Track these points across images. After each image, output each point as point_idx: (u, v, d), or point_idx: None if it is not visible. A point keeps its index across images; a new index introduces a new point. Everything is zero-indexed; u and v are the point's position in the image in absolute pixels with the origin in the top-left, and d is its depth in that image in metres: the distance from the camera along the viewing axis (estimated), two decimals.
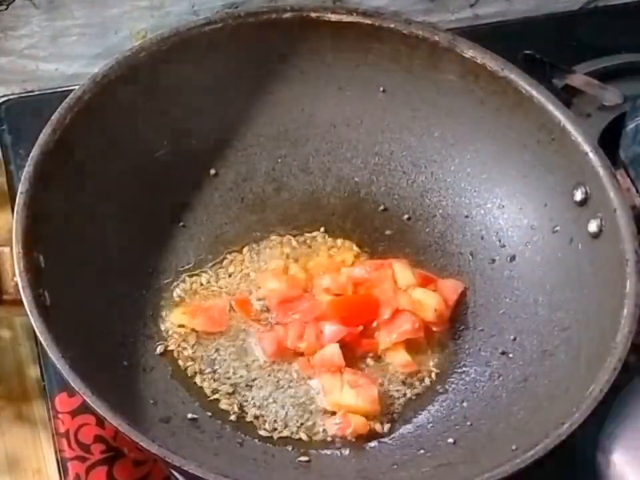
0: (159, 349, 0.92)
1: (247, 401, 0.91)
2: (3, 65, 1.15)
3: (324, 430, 0.89)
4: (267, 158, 1.04)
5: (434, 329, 0.95)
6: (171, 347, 0.93)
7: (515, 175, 0.99)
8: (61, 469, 0.91)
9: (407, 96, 1.02)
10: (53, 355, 0.79)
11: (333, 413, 0.90)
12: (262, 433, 0.89)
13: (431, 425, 0.91)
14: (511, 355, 0.93)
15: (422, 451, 0.88)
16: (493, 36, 1.19)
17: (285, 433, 0.89)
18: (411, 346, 0.94)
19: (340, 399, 0.89)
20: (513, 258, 0.98)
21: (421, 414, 0.91)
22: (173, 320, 0.94)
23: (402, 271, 0.96)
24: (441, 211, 1.02)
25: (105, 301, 0.92)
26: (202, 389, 0.91)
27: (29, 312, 0.81)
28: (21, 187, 0.86)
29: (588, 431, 0.83)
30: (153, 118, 0.98)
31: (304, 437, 0.89)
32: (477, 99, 0.99)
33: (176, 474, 0.89)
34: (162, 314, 0.95)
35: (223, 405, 0.90)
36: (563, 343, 0.90)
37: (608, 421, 0.86)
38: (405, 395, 0.92)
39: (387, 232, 1.02)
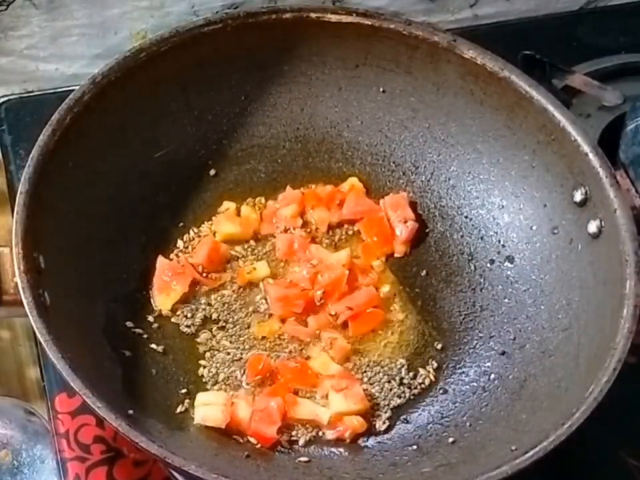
0: (160, 349, 0.93)
1: None
2: (3, 65, 1.15)
3: (324, 435, 0.89)
4: (267, 158, 1.04)
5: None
6: (172, 347, 0.93)
7: (514, 175, 0.99)
8: (60, 469, 0.91)
9: (407, 96, 1.02)
10: (53, 355, 0.79)
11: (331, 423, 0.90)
12: None
13: (430, 425, 0.91)
14: (511, 355, 0.93)
15: (421, 451, 0.88)
16: (493, 36, 1.19)
17: (285, 437, 0.89)
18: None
19: (330, 409, 0.89)
20: (512, 258, 0.98)
21: (420, 414, 0.91)
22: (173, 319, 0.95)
23: None
24: (440, 211, 1.02)
25: (105, 301, 0.92)
26: (204, 387, 0.91)
27: (28, 312, 0.80)
28: (21, 187, 0.86)
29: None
30: (153, 118, 0.98)
31: (303, 441, 0.89)
32: (477, 99, 0.99)
33: (176, 474, 0.89)
34: (164, 314, 0.95)
35: None
36: (563, 343, 0.91)
37: None
38: (404, 394, 0.92)
39: None
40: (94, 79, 0.93)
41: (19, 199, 0.85)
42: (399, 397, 0.92)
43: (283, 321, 0.95)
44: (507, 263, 0.98)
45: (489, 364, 0.94)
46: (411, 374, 0.93)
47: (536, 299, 0.95)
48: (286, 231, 1.00)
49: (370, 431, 0.90)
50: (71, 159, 0.91)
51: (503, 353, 0.94)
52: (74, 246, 0.90)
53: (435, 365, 0.94)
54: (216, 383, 0.91)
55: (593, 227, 0.91)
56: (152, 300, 0.95)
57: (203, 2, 1.16)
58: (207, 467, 0.77)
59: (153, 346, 0.92)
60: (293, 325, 0.95)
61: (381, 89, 1.03)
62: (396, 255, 1.01)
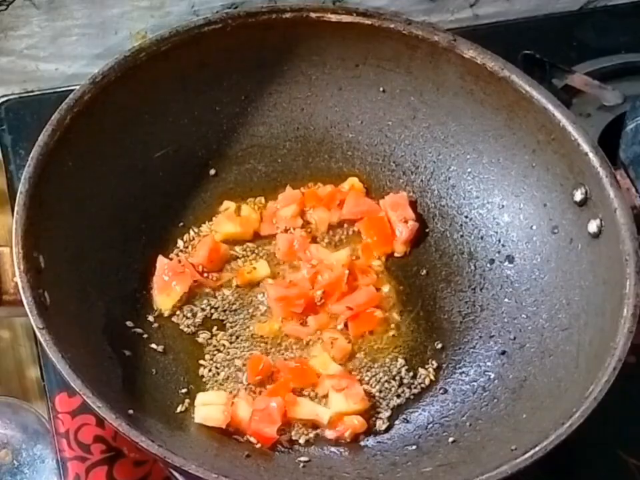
0: (160, 349, 0.93)
1: None
2: (3, 65, 1.15)
3: (324, 435, 0.89)
4: (267, 158, 1.04)
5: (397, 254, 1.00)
6: (172, 347, 0.93)
7: (514, 175, 0.99)
8: (60, 468, 0.91)
9: (407, 96, 1.02)
10: (53, 355, 0.79)
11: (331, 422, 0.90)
12: None
13: (430, 424, 0.91)
14: (510, 355, 0.93)
15: (421, 451, 0.88)
16: (493, 36, 1.19)
17: (285, 437, 0.89)
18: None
19: (330, 409, 0.89)
20: (512, 258, 0.98)
21: (420, 414, 0.91)
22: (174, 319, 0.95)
23: None
24: (440, 210, 1.02)
25: (105, 301, 0.92)
26: (204, 387, 0.91)
27: (28, 312, 0.81)
28: (21, 187, 0.86)
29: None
30: (153, 118, 0.98)
31: (303, 441, 0.89)
32: (477, 99, 0.99)
33: (176, 474, 0.89)
34: (164, 314, 0.95)
35: None
36: (563, 343, 0.91)
37: None
38: (404, 394, 0.92)
39: None
40: (94, 79, 0.93)
41: (19, 199, 0.85)
42: (399, 396, 0.92)
43: (283, 321, 0.95)
44: (506, 263, 0.98)
45: (489, 364, 0.94)
46: (411, 374, 0.94)
47: (536, 299, 0.95)
48: (286, 231, 1.00)
49: (370, 431, 0.90)
50: (71, 159, 0.91)
51: (503, 353, 0.94)
52: (74, 246, 0.90)
53: (435, 364, 0.94)
54: (216, 382, 0.92)
55: (593, 226, 0.92)
56: (152, 300, 0.95)
57: (202, 2, 1.16)
58: (206, 467, 0.77)
59: (153, 346, 0.92)
60: (293, 325, 0.95)
61: (381, 89, 1.03)
62: (396, 255, 1.01)
